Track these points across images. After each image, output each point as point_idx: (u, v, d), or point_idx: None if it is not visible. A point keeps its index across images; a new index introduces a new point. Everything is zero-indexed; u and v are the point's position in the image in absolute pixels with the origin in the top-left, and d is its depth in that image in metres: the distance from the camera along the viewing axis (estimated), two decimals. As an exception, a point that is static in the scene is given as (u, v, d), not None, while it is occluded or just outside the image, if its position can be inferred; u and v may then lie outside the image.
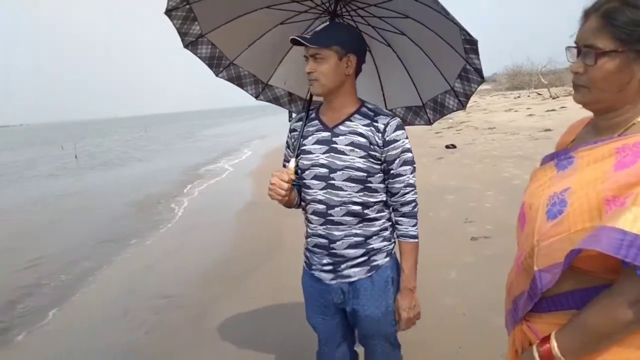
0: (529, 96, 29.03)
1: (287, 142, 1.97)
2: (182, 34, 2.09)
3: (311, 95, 1.98)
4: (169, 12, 2.00)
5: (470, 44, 1.71)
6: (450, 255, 4.53)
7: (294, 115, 2.54)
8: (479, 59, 1.76)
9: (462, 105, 2.09)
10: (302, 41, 1.68)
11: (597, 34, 1.04)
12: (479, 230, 5.20)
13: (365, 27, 2.05)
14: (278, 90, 2.41)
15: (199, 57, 2.18)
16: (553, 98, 24.22)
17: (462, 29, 1.63)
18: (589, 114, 1.21)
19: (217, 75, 2.25)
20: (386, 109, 2.25)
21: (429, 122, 2.27)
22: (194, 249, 5.98)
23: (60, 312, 4.35)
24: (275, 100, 2.43)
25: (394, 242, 1.88)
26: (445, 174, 8.50)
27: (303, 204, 1.90)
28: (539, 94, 28.26)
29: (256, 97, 2.39)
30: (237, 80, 2.31)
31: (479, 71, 1.87)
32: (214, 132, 35.98)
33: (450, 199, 6.70)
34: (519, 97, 30.06)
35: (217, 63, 2.22)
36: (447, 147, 11.85)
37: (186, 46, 2.13)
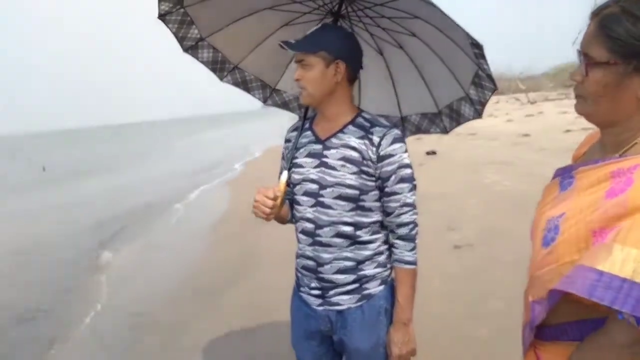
0: (507, 101, 29.40)
1: (282, 152, 1.83)
2: (180, 39, 1.97)
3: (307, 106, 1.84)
4: (162, 16, 1.88)
5: (478, 49, 1.57)
6: (433, 264, 4.41)
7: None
8: (487, 64, 1.63)
9: (479, 114, 1.94)
10: (285, 47, 1.56)
11: (592, 41, 0.95)
12: (462, 238, 5.11)
13: (374, 28, 1.94)
14: (286, 95, 2.30)
15: (201, 62, 2.07)
16: (531, 103, 24.56)
17: (466, 32, 1.51)
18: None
19: (221, 79, 2.14)
20: (401, 115, 2.15)
21: (445, 131, 2.12)
22: (167, 263, 5.74)
23: (23, 328, 4.09)
24: (284, 105, 2.32)
25: (390, 268, 1.70)
26: (426, 180, 8.39)
27: (294, 220, 1.76)
28: (517, 100, 28.64)
29: (264, 102, 2.28)
30: (243, 84, 2.20)
31: (491, 78, 1.73)
32: (193, 140, 35.55)
33: (432, 206, 6.60)
34: (498, 102, 30.43)
35: (220, 67, 2.12)
36: (427, 153, 11.82)
37: (186, 50, 2.02)
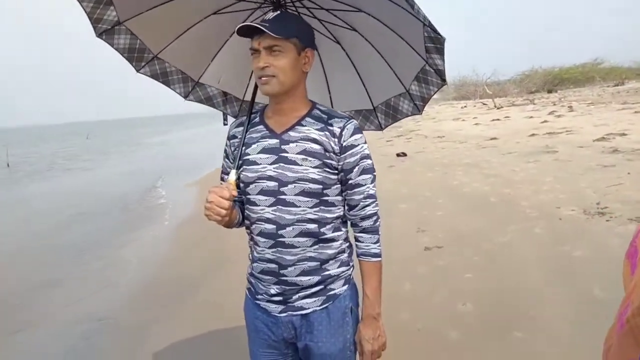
0: (474, 106, 29.99)
1: (225, 151, 1.70)
2: (95, 20, 1.75)
3: (254, 95, 1.73)
4: None
5: (434, 43, 1.55)
6: (403, 266, 4.39)
7: (229, 118, 2.27)
8: (442, 59, 1.59)
9: (418, 110, 1.92)
10: (262, 28, 1.41)
11: None
12: (431, 240, 5.10)
13: (310, 19, 1.81)
14: (211, 90, 2.14)
15: (116, 49, 1.86)
16: (497, 108, 25.10)
17: (426, 24, 1.46)
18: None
19: (137, 70, 1.94)
20: None
21: (380, 128, 2.09)
22: (128, 266, 5.50)
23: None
24: (208, 101, 2.15)
25: (352, 266, 1.65)
26: (397, 182, 8.45)
27: (247, 222, 1.63)
28: (484, 104, 29.24)
29: (185, 97, 2.10)
30: (163, 77, 2.01)
31: (440, 72, 1.69)
32: (158, 139, 34.75)
33: (402, 208, 6.62)
34: (465, 106, 31.01)
35: (137, 57, 1.91)
36: (398, 155, 11.88)
37: (99, 35, 1.80)
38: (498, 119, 17.70)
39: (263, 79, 1.48)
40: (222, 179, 1.69)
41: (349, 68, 2.00)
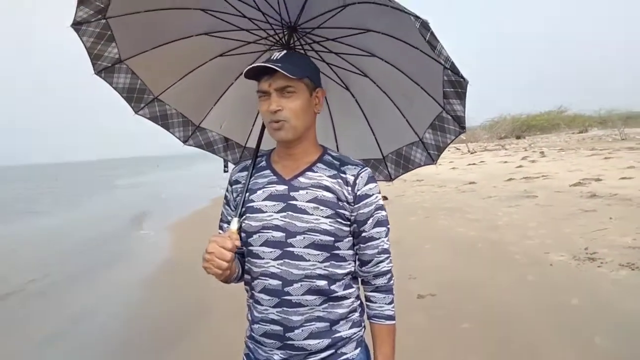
0: (448, 150, 30.59)
1: (225, 197, 1.55)
2: (94, 57, 1.64)
3: (261, 138, 1.59)
4: (77, 25, 1.54)
5: (455, 87, 1.46)
6: (398, 315, 4.17)
7: (230, 165, 2.14)
8: (463, 104, 1.50)
9: (432, 159, 1.82)
10: (276, 68, 1.29)
11: None
12: (423, 287, 4.94)
13: (319, 63, 1.71)
14: (212, 135, 2.02)
15: (115, 88, 1.74)
16: (471, 153, 25.68)
17: (447, 67, 1.36)
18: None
19: (136, 112, 1.82)
20: None
21: (390, 178, 1.98)
22: (103, 318, 5.08)
23: None
24: (208, 146, 2.03)
25: (364, 327, 1.48)
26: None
27: (247, 277, 1.46)
28: (457, 149, 29.89)
29: (184, 142, 1.98)
30: (162, 120, 1.89)
31: (458, 119, 1.60)
32: (132, 181, 34.02)
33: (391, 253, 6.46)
34: (439, 151, 31.58)
35: (137, 97, 1.80)
36: (379, 199, 11.81)
37: (98, 73, 1.68)
38: (474, 164, 18.04)
39: (274, 124, 1.35)
40: (221, 228, 1.54)
41: (357, 115, 1.90)
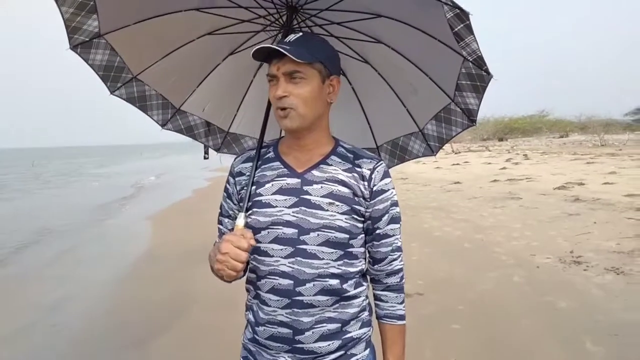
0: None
1: (226, 189, 1.43)
2: (72, 30, 1.49)
3: (265, 126, 1.48)
4: None
5: (473, 80, 1.40)
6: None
7: (210, 151, 2.02)
8: (479, 97, 1.45)
9: (432, 151, 1.76)
10: (283, 52, 1.19)
11: None
12: (411, 286, 4.88)
13: None
14: (193, 119, 1.90)
15: (90, 65, 1.60)
16: (455, 153, 25.86)
17: (469, 60, 1.29)
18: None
19: (112, 92, 1.69)
20: None
21: None
22: (80, 309, 4.89)
23: None
24: (188, 131, 1.91)
25: (372, 326, 1.41)
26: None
27: (251, 276, 1.35)
28: (442, 149, 30.09)
29: (162, 126, 1.86)
30: (140, 101, 1.76)
31: (469, 112, 1.54)
32: (108, 170, 33.41)
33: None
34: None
35: (114, 76, 1.66)
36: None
37: (74, 47, 1.53)
38: (458, 164, 18.15)
39: (280, 111, 1.26)
40: (221, 222, 1.44)
41: (352, 102, 1.81)
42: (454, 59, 1.37)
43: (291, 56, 1.19)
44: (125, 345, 3.85)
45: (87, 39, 1.53)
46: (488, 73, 1.33)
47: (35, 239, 8.61)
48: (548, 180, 12.28)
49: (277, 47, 1.20)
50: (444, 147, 1.87)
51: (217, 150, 1.99)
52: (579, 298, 4.31)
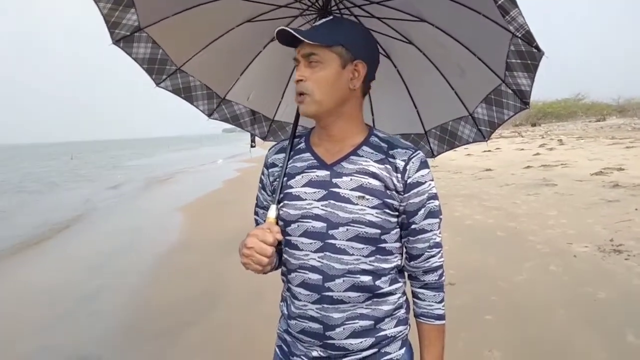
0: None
1: (261, 180, 1.42)
2: (112, 25, 1.50)
3: (297, 116, 1.45)
4: None
5: (523, 58, 1.31)
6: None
7: (257, 139, 2.02)
8: (531, 77, 1.35)
9: (483, 136, 1.68)
10: (294, 33, 1.17)
11: None
12: (442, 275, 4.80)
13: None
14: (238, 107, 1.90)
15: (134, 59, 1.62)
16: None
17: (518, 36, 1.21)
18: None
19: (157, 84, 1.71)
20: None
21: (432, 155, 1.85)
22: (112, 298, 4.99)
23: None
24: (234, 120, 1.92)
25: (409, 325, 1.37)
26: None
27: (283, 269, 1.34)
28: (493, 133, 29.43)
29: (209, 116, 1.87)
30: (185, 92, 1.78)
31: (522, 94, 1.45)
32: (143, 162, 34.14)
33: (405, 240, 6.32)
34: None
35: (158, 68, 1.68)
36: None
37: (116, 42, 1.56)
38: (489, 150, 17.70)
39: (297, 96, 1.24)
40: (257, 214, 1.44)
41: (398, 86, 1.76)
42: (501, 36, 1.29)
43: (302, 37, 1.17)
44: (156, 335, 3.92)
45: (128, 33, 1.56)
46: (539, 50, 1.24)
47: (72, 226, 8.88)
48: (584, 165, 11.85)
49: (289, 30, 1.17)
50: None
51: (264, 138, 1.99)
52: (620, 289, 4.14)
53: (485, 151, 17.56)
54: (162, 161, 32.63)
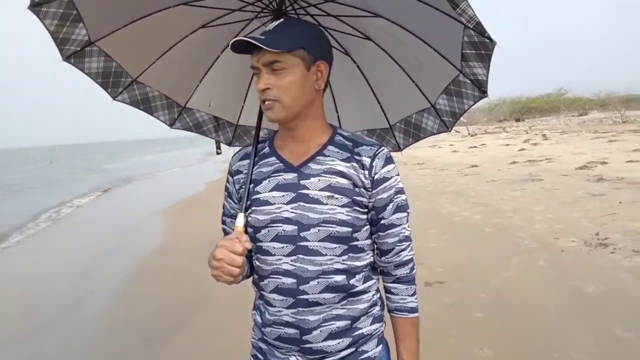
0: (448, 134, 30.43)
1: (226, 189, 1.39)
2: (61, 41, 1.44)
3: (260, 121, 1.42)
4: (36, 6, 1.33)
5: (477, 48, 1.32)
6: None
7: (222, 146, 1.97)
8: (486, 67, 1.37)
9: (447, 127, 1.69)
10: (255, 42, 1.12)
11: None
12: (431, 274, 4.78)
13: None
14: (200, 115, 1.87)
15: (87, 74, 1.55)
16: (471, 136, 25.47)
17: (469, 27, 1.22)
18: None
19: (114, 98, 1.66)
20: None
21: (398, 148, 1.86)
22: (92, 306, 4.89)
23: None
24: (197, 128, 1.88)
25: (385, 322, 1.36)
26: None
27: (255, 277, 1.31)
28: (457, 132, 29.68)
29: (170, 125, 1.83)
30: (144, 103, 1.73)
31: (479, 83, 1.46)
32: (123, 164, 33.74)
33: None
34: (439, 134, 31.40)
35: (113, 82, 1.62)
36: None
37: (67, 58, 1.49)
38: (475, 147, 17.88)
39: (264, 104, 1.20)
40: (224, 223, 1.41)
41: (360, 82, 1.76)
42: (454, 28, 1.29)
43: (263, 46, 1.12)
44: (140, 343, 3.83)
45: (78, 49, 1.49)
46: (491, 40, 1.25)
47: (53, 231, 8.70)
48: (569, 160, 11.99)
49: (248, 39, 1.13)
50: (457, 126, 1.78)
51: (229, 144, 1.96)
52: (607, 282, 4.16)
53: (470, 147, 17.72)
54: (142, 163, 32.26)
